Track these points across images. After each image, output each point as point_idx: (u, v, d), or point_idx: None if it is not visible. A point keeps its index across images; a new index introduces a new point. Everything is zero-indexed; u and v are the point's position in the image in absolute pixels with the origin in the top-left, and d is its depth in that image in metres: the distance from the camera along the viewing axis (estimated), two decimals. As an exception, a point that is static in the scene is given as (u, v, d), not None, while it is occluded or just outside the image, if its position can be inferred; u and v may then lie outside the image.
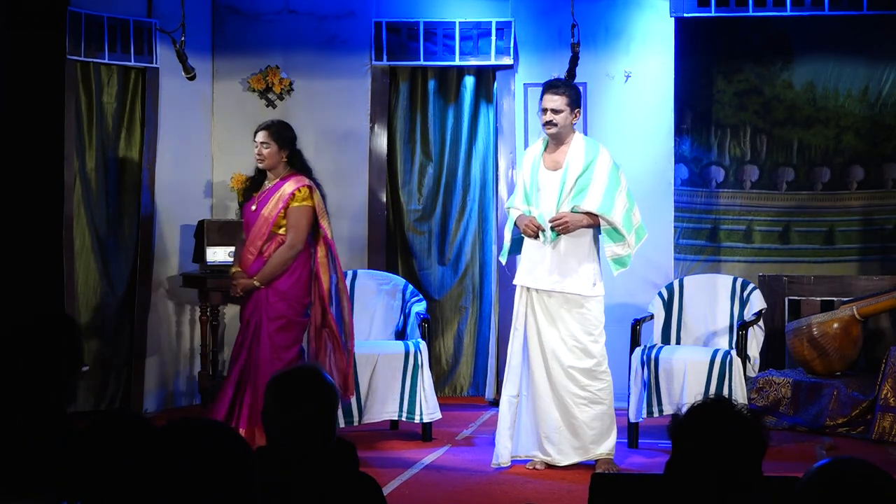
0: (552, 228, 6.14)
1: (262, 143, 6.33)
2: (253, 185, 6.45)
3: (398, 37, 8.02)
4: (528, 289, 6.27)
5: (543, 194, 6.24)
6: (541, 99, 6.26)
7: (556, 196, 6.18)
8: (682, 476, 2.63)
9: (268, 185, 6.36)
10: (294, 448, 2.94)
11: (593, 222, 6.15)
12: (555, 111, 6.18)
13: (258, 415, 6.21)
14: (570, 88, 6.27)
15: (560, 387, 6.20)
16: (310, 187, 6.31)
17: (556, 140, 6.26)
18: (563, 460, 6.23)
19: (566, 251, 6.18)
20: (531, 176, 6.31)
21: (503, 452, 6.27)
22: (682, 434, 2.66)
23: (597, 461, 6.27)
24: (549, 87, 6.27)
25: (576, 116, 6.24)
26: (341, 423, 6.77)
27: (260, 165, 6.38)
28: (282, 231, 6.27)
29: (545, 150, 6.32)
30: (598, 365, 6.22)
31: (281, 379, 3.04)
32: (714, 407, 2.70)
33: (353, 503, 3.00)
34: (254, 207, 6.34)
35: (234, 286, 6.33)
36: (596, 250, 6.26)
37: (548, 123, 6.21)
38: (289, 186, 6.29)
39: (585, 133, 7.93)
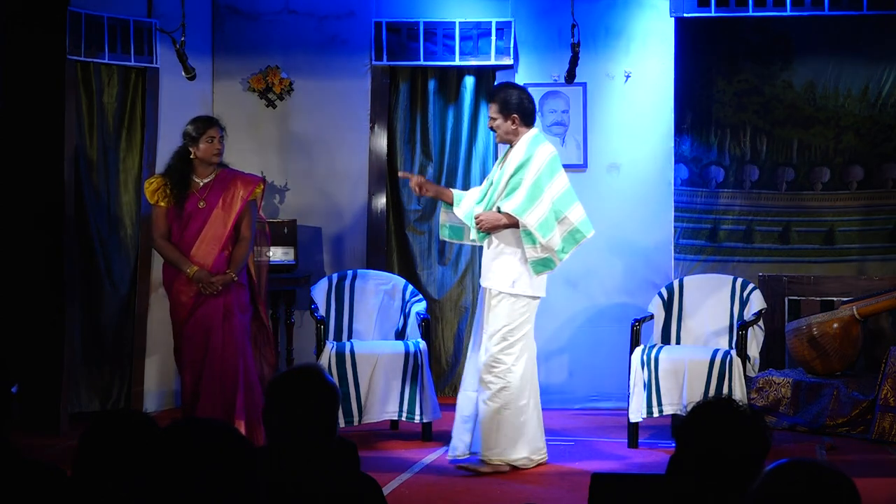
0: (476, 227, 6.26)
1: (221, 137, 6.40)
2: (183, 182, 6.35)
3: (398, 37, 8.02)
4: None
5: (488, 194, 6.37)
6: None
7: (490, 195, 6.30)
8: (685, 475, 2.63)
9: (202, 180, 6.36)
10: (295, 448, 2.94)
11: (512, 223, 6.16)
12: (492, 118, 6.29)
13: (259, 411, 6.24)
14: (501, 95, 6.27)
15: (482, 380, 6.25)
16: (263, 181, 6.58)
17: (508, 143, 6.34)
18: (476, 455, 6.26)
19: (493, 249, 6.27)
20: (489, 176, 6.49)
21: (457, 445, 6.32)
22: (686, 433, 2.66)
23: (484, 459, 6.21)
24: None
25: (513, 121, 6.22)
26: (341, 423, 6.77)
27: (217, 160, 6.37)
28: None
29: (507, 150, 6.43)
30: (498, 363, 6.17)
31: (282, 379, 3.04)
32: (718, 407, 2.70)
33: (354, 502, 3.00)
34: (201, 204, 6.32)
35: (210, 284, 6.24)
36: (522, 250, 6.21)
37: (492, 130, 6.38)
38: (245, 183, 6.42)
39: (585, 134, 7.95)
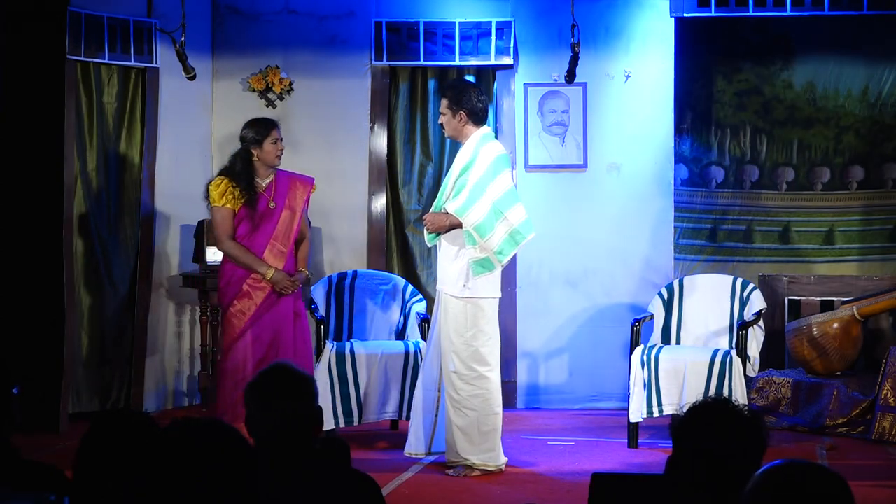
0: (425, 229, 6.27)
1: (282, 139, 6.43)
2: (251, 184, 6.34)
3: (398, 37, 8.02)
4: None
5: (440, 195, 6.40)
6: None
7: (439, 196, 6.31)
8: (683, 475, 2.63)
9: (263, 181, 6.37)
10: (285, 445, 2.95)
11: (456, 224, 6.14)
12: (441, 114, 6.28)
13: None
14: (451, 91, 6.27)
15: (445, 387, 6.22)
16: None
17: (457, 141, 6.33)
18: (449, 460, 6.23)
19: (442, 252, 6.25)
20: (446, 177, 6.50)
21: (416, 444, 6.34)
22: (683, 433, 2.66)
23: (461, 463, 6.17)
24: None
25: (460, 118, 6.20)
26: (341, 423, 6.78)
27: (279, 162, 6.41)
28: None
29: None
30: (469, 370, 6.12)
31: (258, 381, 3.05)
32: (714, 406, 2.70)
33: (352, 502, 3.00)
34: (272, 205, 6.34)
35: (291, 284, 6.29)
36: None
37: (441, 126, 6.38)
38: (303, 183, 6.48)
39: (585, 134, 7.95)
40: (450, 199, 6.18)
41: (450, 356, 6.15)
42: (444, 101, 6.25)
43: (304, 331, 6.45)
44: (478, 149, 6.18)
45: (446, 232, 6.18)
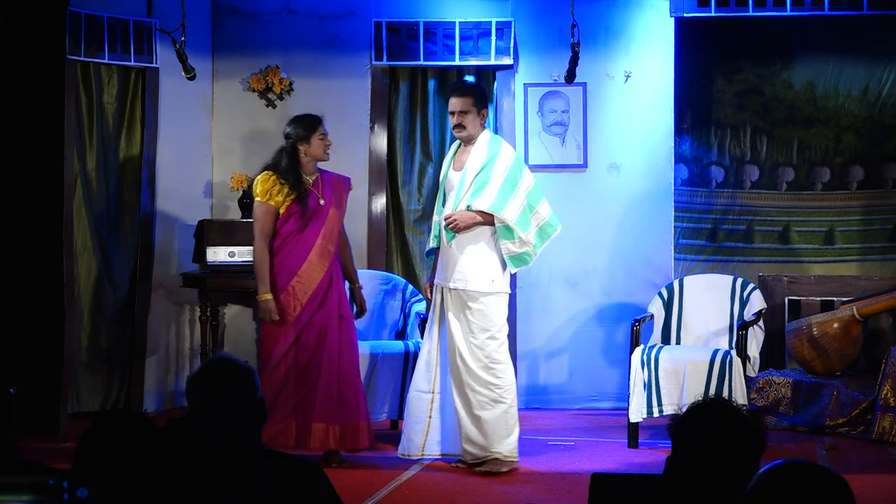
0: (447, 228, 6.21)
1: (328, 134, 6.39)
2: (300, 181, 6.26)
3: (398, 37, 8.02)
4: (441, 287, 6.33)
5: (450, 195, 6.34)
6: (448, 103, 6.38)
7: (456, 195, 6.28)
8: (681, 475, 2.63)
9: (310, 178, 6.31)
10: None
11: (487, 220, 6.16)
12: (462, 113, 6.25)
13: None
14: (474, 88, 6.34)
15: (465, 385, 6.22)
16: None
17: (466, 141, 6.33)
18: (474, 458, 6.24)
19: (466, 249, 6.23)
20: (442, 178, 6.48)
21: (408, 445, 6.34)
22: (681, 433, 2.66)
23: (489, 459, 6.21)
24: (453, 90, 6.39)
25: (483, 116, 6.27)
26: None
27: (327, 157, 6.36)
28: None
29: (456, 151, 6.41)
30: (496, 363, 6.19)
31: (200, 377, 3.06)
32: (712, 406, 2.70)
33: (298, 488, 2.99)
34: (321, 202, 6.29)
35: (271, 317, 6.16)
36: (495, 248, 6.23)
37: (457, 126, 6.29)
38: (345, 182, 6.47)
39: (585, 134, 7.95)
40: (468, 197, 6.18)
41: (473, 353, 6.17)
42: (469, 100, 6.24)
43: (350, 332, 6.34)
44: (494, 147, 6.25)
45: (472, 230, 6.19)
